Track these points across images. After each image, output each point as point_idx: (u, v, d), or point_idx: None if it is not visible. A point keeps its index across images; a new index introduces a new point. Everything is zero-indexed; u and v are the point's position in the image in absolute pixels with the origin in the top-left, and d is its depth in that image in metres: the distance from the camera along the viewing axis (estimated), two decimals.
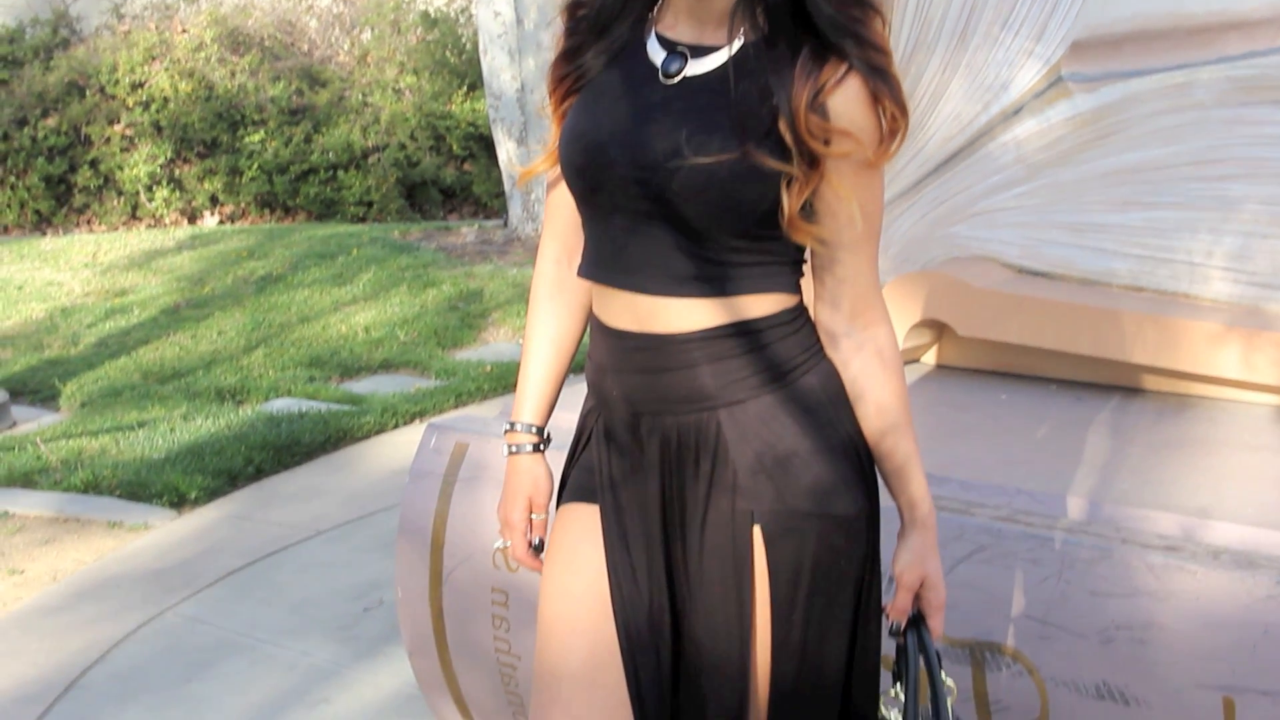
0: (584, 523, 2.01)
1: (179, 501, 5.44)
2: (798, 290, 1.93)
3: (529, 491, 2.12)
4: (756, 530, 1.89)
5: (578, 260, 2.03)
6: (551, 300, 2.10)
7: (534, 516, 2.13)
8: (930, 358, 3.70)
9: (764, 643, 1.93)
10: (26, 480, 5.73)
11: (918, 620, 1.99)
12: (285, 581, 4.62)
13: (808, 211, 1.83)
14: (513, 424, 2.12)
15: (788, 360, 1.90)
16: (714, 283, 1.85)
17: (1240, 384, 3.15)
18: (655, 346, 1.88)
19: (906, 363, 3.69)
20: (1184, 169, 3.23)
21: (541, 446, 2.13)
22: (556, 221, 2.08)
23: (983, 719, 2.50)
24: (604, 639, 1.95)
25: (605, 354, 1.95)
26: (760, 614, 1.92)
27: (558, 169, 1.99)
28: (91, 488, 5.56)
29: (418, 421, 6.41)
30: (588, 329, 2.06)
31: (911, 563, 1.97)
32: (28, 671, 3.99)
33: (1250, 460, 2.87)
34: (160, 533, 5.17)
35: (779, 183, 1.79)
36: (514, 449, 2.12)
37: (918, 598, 1.99)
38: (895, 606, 1.99)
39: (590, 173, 1.87)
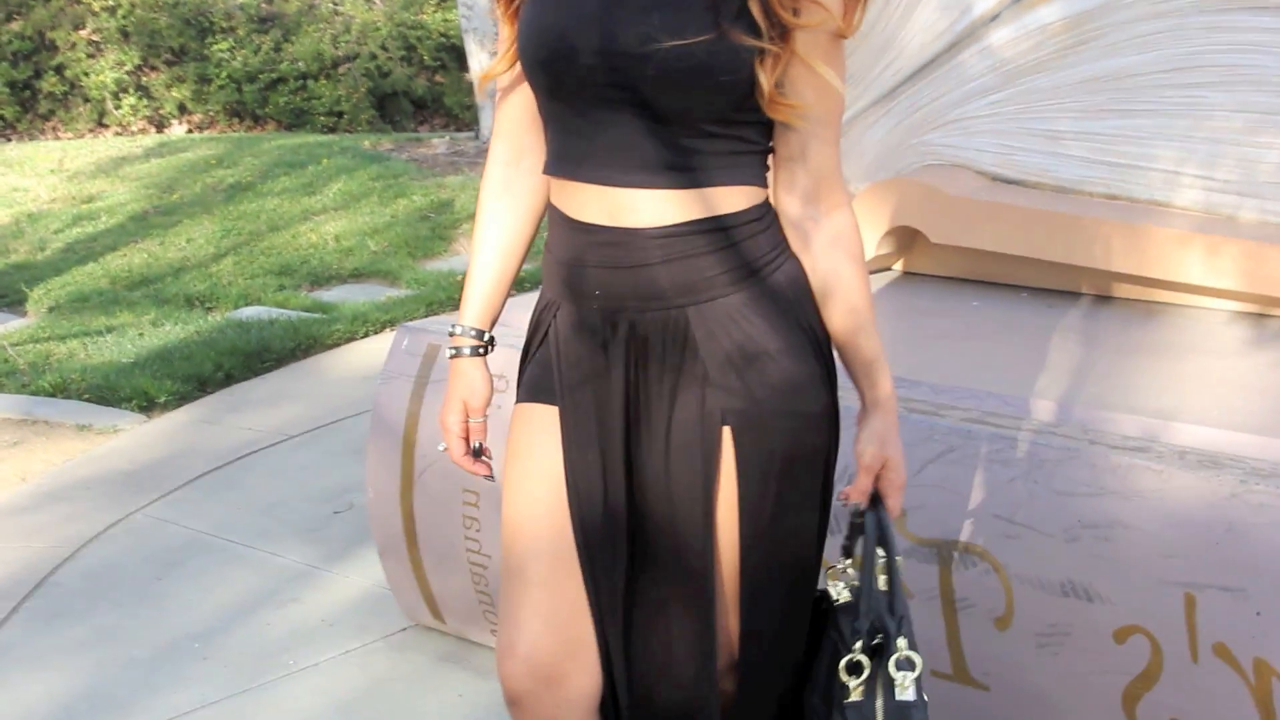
0: (541, 423, 1.99)
1: (148, 406, 5.42)
2: (766, 185, 1.93)
3: (465, 395, 2.08)
4: (725, 429, 1.90)
5: (527, 162, 2.03)
6: (500, 202, 2.07)
7: (471, 421, 2.09)
8: (900, 265, 3.71)
9: (731, 539, 1.94)
10: None
11: (875, 501, 2.01)
12: (255, 484, 4.62)
13: (781, 89, 1.82)
14: (454, 327, 2.09)
15: (758, 258, 1.90)
16: (686, 173, 1.84)
17: (1206, 290, 3.17)
18: (626, 241, 1.87)
19: (877, 270, 3.69)
20: (1160, 76, 3.23)
21: (483, 350, 2.09)
22: (506, 123, 2.05)
23: (948, 616, 2.53)
24: (566, 539, 1.96)
25: (571, 249, 1.92)
26: (727, 510, 1.93)
27: (510, 73, 1.97)
28: (60, 391, 5.54)
29: (388, 330, 6.39)
30: (543, 227, 2.03)
31: (875, 446, 1.99)
32: None
33: (1216, 365, 2.90)
34: (129, 436, 5.16)
35: (753, 61, 1.79)
36: (454, 351, 2.09)
37: (876, 478, 2.01)
38: (857, 488, 2.00)
39: (555, 65, 1.83)
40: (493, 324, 2.11)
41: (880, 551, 1.99)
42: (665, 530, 1.95)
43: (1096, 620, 2.37)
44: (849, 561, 2.03)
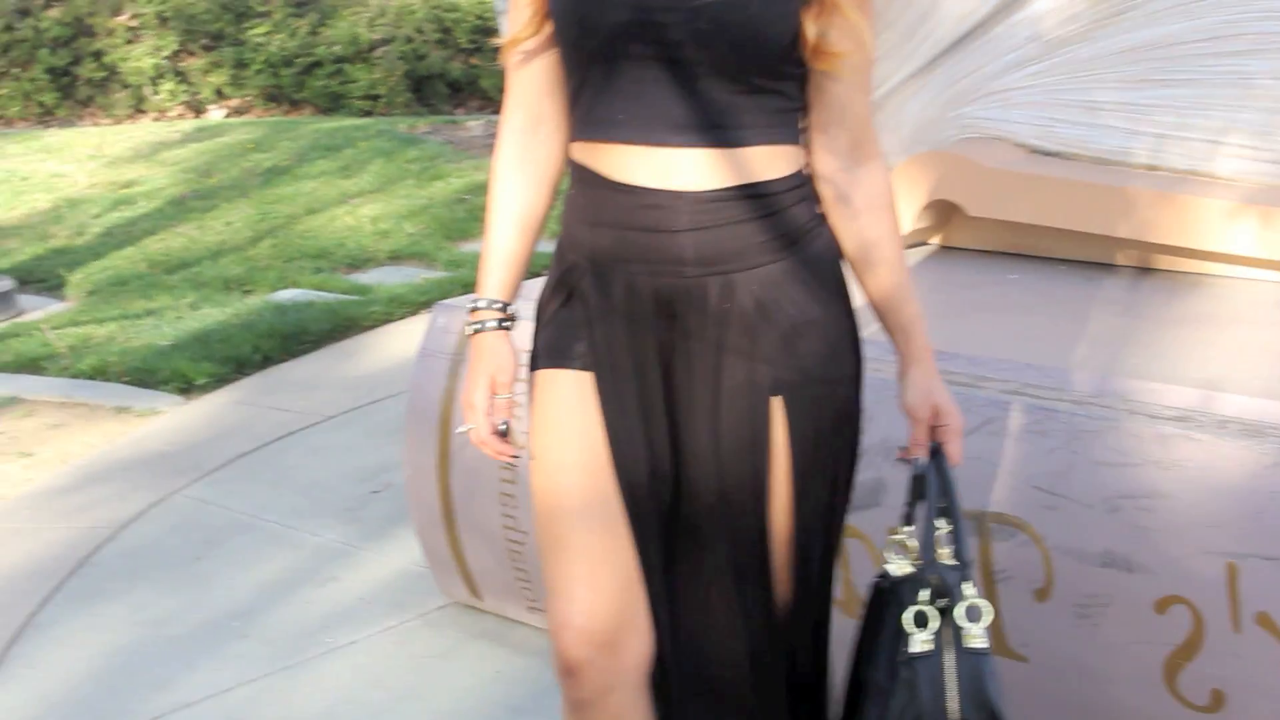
0: (568, 389, 1.94)
1: (186, 388, 5.44)
2: (802, 147, 1.92)
3: (491, 371, 2.01)
4: (777, 401, 1.90)
5: (545, 129, 1.98)
6: (518, 172, 2.00)
7: (497, 398, 2.02)
8: (938, 239, 3.68)
9: (783, 506, 1.94)
10: (34, 366, 5.74)
11: (935, 451, 1.99)
12: (293, 465, 4.64)
13: (824, 39, 1.82)
14: (475, 301, 2.03)
15: (800, 225, 1.90)
16: (733, 131, 1.82)
17: (1254, 261, 3.13)
18: (671, 204, 1.84)
19: (914, 245, 3.66)
20: (1201, 45, 3.19)
21: (506, 324, 2.03)
22: (522, 90, 1.98)
23: (987, 587, 2.52)
24: (612, 506, 1.92)
25: (607, 211, 1.89)
26: (779, 479, 1.93)
27: (527, 44, 1.94)
28: (99, 374, 5.57)
29: (425, 311, 6.39)
30: (569, 192, 1.97)
31: (921, 396, 1.99)
32: (39, 549, 4.02)
33: (1261, 335, 2.87)
34: (168, 418, 5.18)
35: (799, 11, 1.79)
36: (477, 327, 2.02)
37: (933, 428, 2.00)
38: (914, 441, 1.99)
39: (596, 22, 1.81)
40: (514, 295, 2.05)
41: (942, 503, 1.97)
42: (714, 499, 1.94)
43: (1137, 591, 2.35)
44: (910, 530, 2.00)
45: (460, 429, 2.06)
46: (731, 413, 1.91)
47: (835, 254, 1.95)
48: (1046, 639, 2.47)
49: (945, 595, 1.90)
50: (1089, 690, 2.45)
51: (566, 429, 1.94)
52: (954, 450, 2.00)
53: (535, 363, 2.00)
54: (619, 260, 1.90)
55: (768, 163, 1.85)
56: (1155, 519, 2.33)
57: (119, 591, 3.75)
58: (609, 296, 1.92)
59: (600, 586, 1.91)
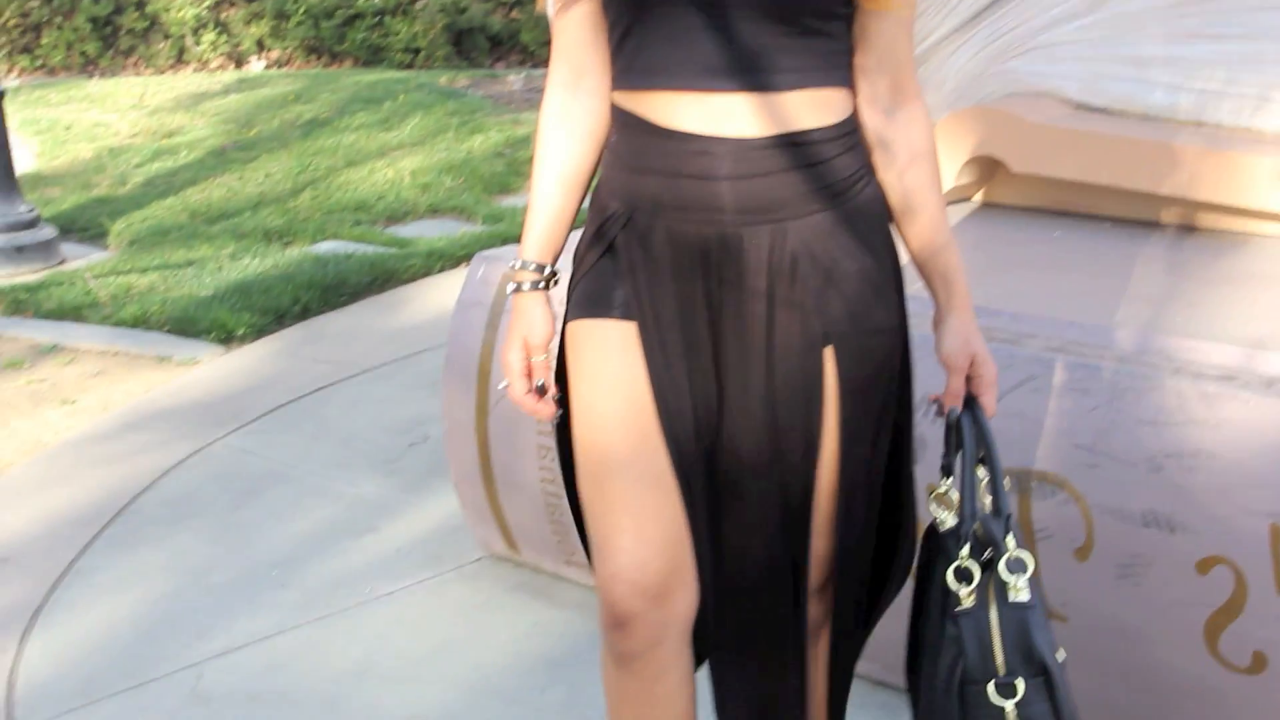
0: (608, 338, 1.92)
1: (226, 338, 5.47)
2: (853, 91, 1.90)
3: (524, 333, 2.00)
4: (828, 351, 1.88)
5: (588, 82, 1.94)
6: (560, 129, 1.96)
7: (533, 359, 2.02)
8: (980, 196, 3.64)
9: (831, 459, 1.93)
10: (76, 314, 5.78)
11: (970, 403, 1.98)
12: (332, 416, 4.65)
13: None
14: (515, 262, 2.00)
15: (850, 174, 1.88)
16: (789, 74, 1.80)
17: None
18: (715, 151, 1.81)
19: (957, 201, 3.63)
20: None
21: (543, 285, 2.01)
22: (565, 43, 1.94)
23: (1027, 546, 2.50)
24: (658, 456, 1.90)
25: (656, 158, 1.86)
26: (829, 431, 1.92)
27: None
28: (140, 323, 5.60)
29: (464, 265, 6.40)
30: (611, 140, 1.94)
31: (959, 345, 1.97)
32: (80, 496, 4.06)
33: None
34: (208, 368, 5.21)
35: None
36: (514, 286, 2.00)
37: (968, 379, 1.98)
38: (949, 392, 1.98)
39: None
40: (555, 259, 2.03)
41: (980, 453, 1.96)
42: (763, 451, 1.93)
43: (1179, 551, 2.33)
44: (950, 481, 1.99)
45: (501, 384, 2.06)
46: (784, 363, 1.89)
47: (882, 204, 1.93)
48: (1087, 598, 2.46)
49: (989, 545, 1.89)
50: (1129, 651, 2.43)
51: (609, 379, 1.92)
52: (989, 401, 1.98)
53: (574, 312, 1.98)
54: (661, 207, 1.87)
55: (815, 109, 1.83)
56: (1198, 479, 2.31)
57: (159, 539, 3.78)
58: (650, 245, 1.89)
59: (649, 538, 1.89)
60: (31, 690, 3.06)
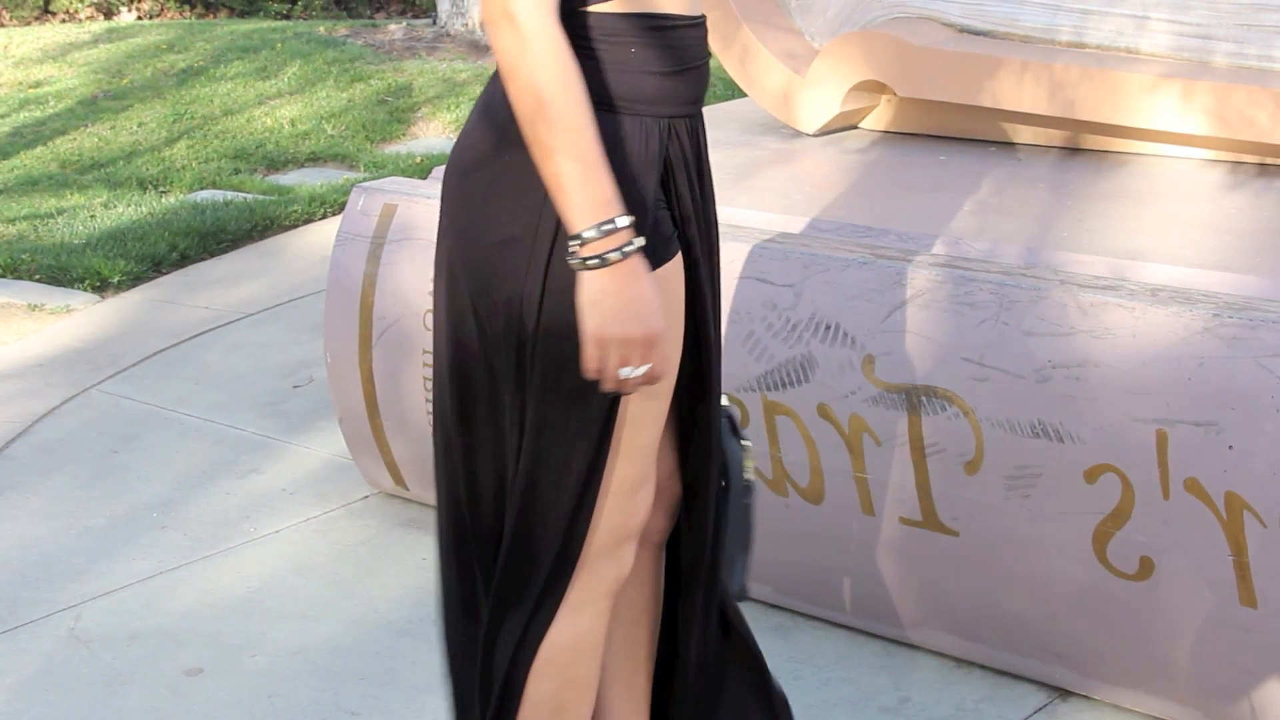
0: (680, 283, 1.84)
1: (101, 286, 5.32)
2: None
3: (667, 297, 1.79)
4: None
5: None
6: (576, 60, 1.66)
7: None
8: (868, 123, 3.63)
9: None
10: None
11: None
12: (213, 361, 4.55)
13: None
14: (604, 222, 1.64)
15: None
16: None
17: (1179, 138, 3.11)
18: (704, 34, 1.81)
19: (843, 128, 3.62)
20: None
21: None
22: None
23: (917, 461, 2.50)
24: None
25: (687, 53, 1.76)
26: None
27: None
28: (10, 271, 5.42)
29: None
30: (618, 53, 1.72)
31: None
32: None
33: (1186, 209, 2.86)
34: (83, 315, 5.06)
35: None
36: (629, 247, 1.65)
37: None
38: None
39: None
40: None
41: None
42: (714, 351, 1.94)
43: (1067, 460, 2.35)
44: None
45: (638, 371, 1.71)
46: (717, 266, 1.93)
47: None
48: (976, 512, 2.47)
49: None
50: (1019, 562, 2.45)
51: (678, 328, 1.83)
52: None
53: (664, 252, 1.78)
54: (685, 103, 1.78)
55: None
56: (1085, 388, 2.32)
57: (33, 484, 3.67)
58: (684, 153, 1.80)
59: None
60: None
